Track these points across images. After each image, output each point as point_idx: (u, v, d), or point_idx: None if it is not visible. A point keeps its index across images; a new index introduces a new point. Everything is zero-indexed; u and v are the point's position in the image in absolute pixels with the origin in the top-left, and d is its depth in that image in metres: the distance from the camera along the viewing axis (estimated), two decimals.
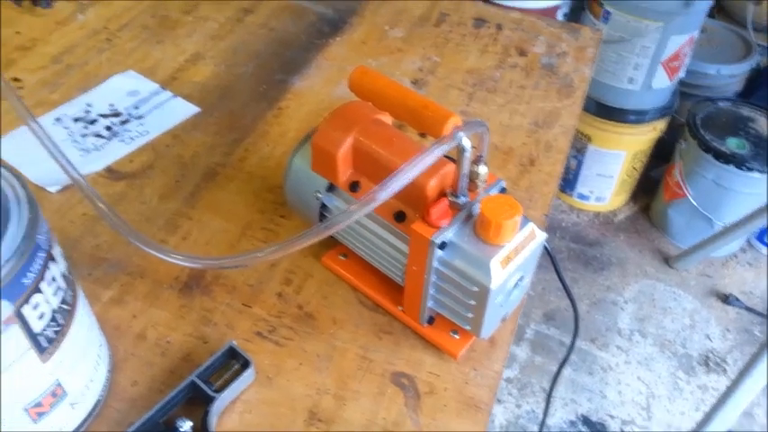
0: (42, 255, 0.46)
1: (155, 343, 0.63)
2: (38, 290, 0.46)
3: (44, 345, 0.47)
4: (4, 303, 0.43)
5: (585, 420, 1.66)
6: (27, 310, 0.45)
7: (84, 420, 0.55)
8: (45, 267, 0.47)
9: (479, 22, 1.11)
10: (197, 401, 0.57)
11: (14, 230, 0.44)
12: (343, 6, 1.12)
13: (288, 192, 0.68)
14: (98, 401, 0.56)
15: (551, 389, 0.89)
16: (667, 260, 2.04)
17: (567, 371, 1.75)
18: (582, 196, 2.11)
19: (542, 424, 0.88)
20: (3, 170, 0.48)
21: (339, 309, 0.67)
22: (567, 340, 1.78)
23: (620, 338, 1.84)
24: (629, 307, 1.92)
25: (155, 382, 0.60)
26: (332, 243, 0.69)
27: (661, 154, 2.05)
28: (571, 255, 2.04)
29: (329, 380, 0.61)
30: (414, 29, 1.08)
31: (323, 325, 0.66)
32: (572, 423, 1.65)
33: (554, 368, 1.73)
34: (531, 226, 0.56)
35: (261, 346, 0.63)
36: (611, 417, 1.68)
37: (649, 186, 2.16)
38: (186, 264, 0.51)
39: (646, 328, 1.87)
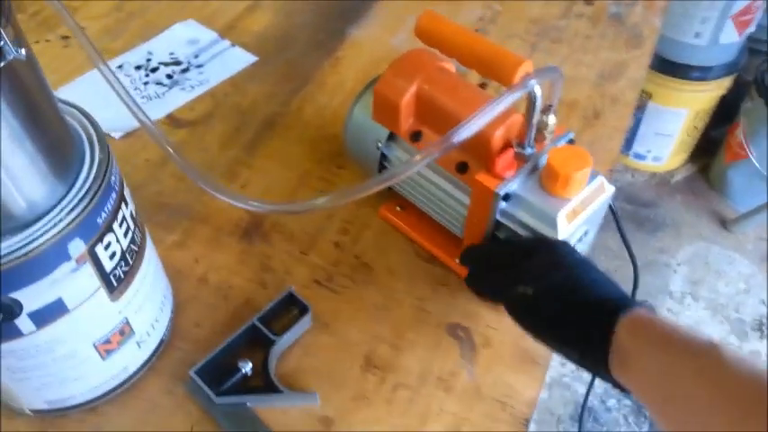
0: (114, 195, 0.47)
1: (216, 287, 0.64)
2: (110, 229, 0.47)
3: (114, 284, 0.49)
4: (78, 242, 0.44)
5: None
6: (99, 250, 0.46)
7: (150, 358, 0.57)
8: (117, 208, 0.48)
9: None
10: (257, 344, 0.58)
11: (87, 171, 0.45)
12: None
13: (347, 141, 0.68)
14: (162, 341, 0.58)
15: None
16: (724, 223, 1.97)
17: None
18: (638, 155, 2.04)
19: (591, 384, 0.87)
20: (76, 112, 0.49)
21: (395, 260, 0.67)
22: None
23: (672, 301, 1.80)
24: (682, 269, 1.87)
25: (217, 324, 0.62)
26: (389, 194, 0.69)
27: (724, 113, 1.95)
28: (624, 215, 1.99)
29: (385, 329, 0.61)
30: None
31: (379, 275, 0.66)
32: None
33: None
34: (600, 179, 0.55)
35: (318, 294, 0.64)
36: None
37: (710, 147, 2.07)
38: (249, 207, 0.51)
39: (698, 291, 1.83)
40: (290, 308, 0.61)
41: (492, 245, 0.57)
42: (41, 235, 0.42)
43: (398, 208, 0.70)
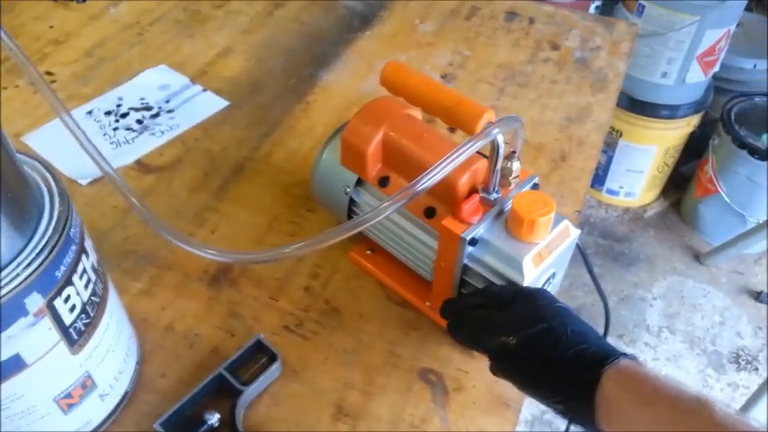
0: (74, 248, 0.47)
1: (183, 335, 0.63)
2: (70, 282, 0.46)
3: (75, 337, 0.48)
4: (36, 296, 0.43)
5: None
6: (59, 303, 0.45)
7: (113, 411, 0.55)
8: (77, 260, 0.47)
9: (511, 15, 1.09)
10: (225, 394, 0.57)
11: (46, 224, 0.45)
12: (373, 1, 1.11)
13: (315, 186, 0.68)
14: (126, 393, 0.57)
15: None
16: (698, 257, 2.00)
17: None
18: (611, 191, 2.08)
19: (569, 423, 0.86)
20: (36, 164, 0.49)
21: (366, 303, 0.67)
22: None
23: (649, 335, 1.81)
24: (657, 303, 1.89)
25: (183, 374, 0.60)
26: (359, 238, 0.69)
27: (693, 149, 2.00)
28: (599, 250, 2.01)
29: (356, 374, 0.61)
30: (444, 22, 1.07)
31: (350, 319, 0.65)
32: None
33: None
34: (565, 223, 0.55)
35: (288, 340, 0.63)
36: None
37: (680, 182, 2.12)
38: (215, 257, 0.51)
39: (675, 324, 1.84)
40: (258, 356, 0.60)
41: (470, 296, 0.57)
42: None
43: (369, 251, 0.70)
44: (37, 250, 0.43)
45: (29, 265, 0.42)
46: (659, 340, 1.80)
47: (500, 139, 0.50)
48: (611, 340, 1.74)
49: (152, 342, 0.62)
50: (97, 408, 0.54)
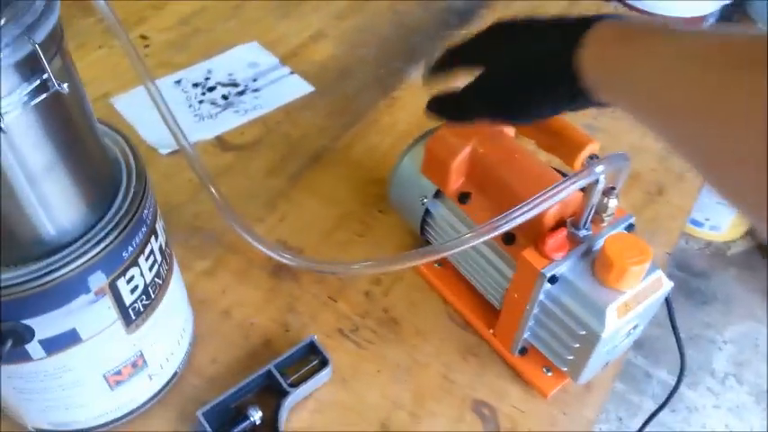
0: (144, 229, 0.46)
1: (239, 323, 0.62)
2: (135, 263, 0.45)
3: (132, 317, 0.47)
4: (99, 275, 0.42)
5: None
6: (121, 283, 0.45)
7: (159, 391, 0.55)
8: (146, 242, 0.46)
9: None
10: (270, 391, 0.56)
11: (120, 203, 0.44)
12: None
13: (392, 190, 0.65)
14: (175, 374, 0.56)
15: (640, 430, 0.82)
16: None
17: (647, 403, 1.65)
18: (695, 222, 1.96)
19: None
20: (118, 137, 0.48)
21: (426, 319, 0.64)
22: (654, 372, 1.67)
23: (713, 380, 1.70)
24: (728, 348, 1.77)
25: (233, 362, 0.59)
26: None
27: None
28: (674, 283, 1.91)
29: (406, 394, 0.58)
30: None
31: (407, 333, 0.63)
32: None
33: (634, 398, 1.63)
34: (658, 273, 0.50)
35: (341, 345, 0.61)
36: None
37: None
38: (276, 256, 0.49)
39: (743, 373, 1.72)
40: (309, 357, 0.59)
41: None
42: (63, 266, 0.40)
43: (437, 264, 0.66)
44: (107, 230, 0.42)
45: (97, 243, 0.42)
46: (724, 387, 1.70)
47: (602, 176, 0.46)
48: (670, 378, 1.63)
49: (207, 325, 0.62)
50: (144, 386, 0.53)
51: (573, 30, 0.41)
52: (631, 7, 1.15)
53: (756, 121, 0.28)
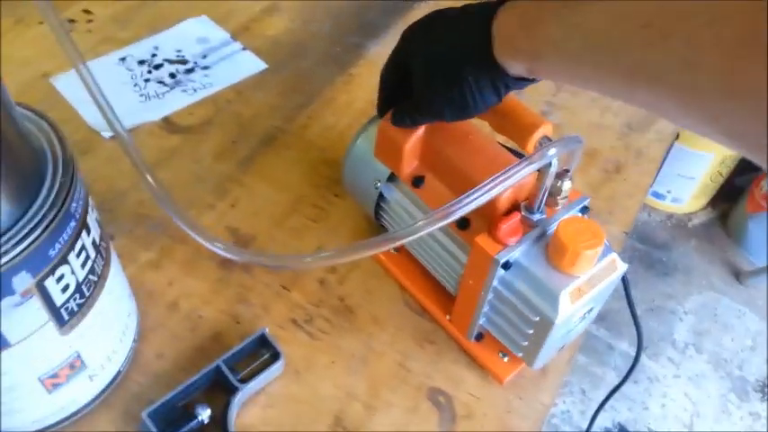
0: (74, 224, 0.43)
1: (186, 315, 0.60)
2: (65, 261, 0.42)
3: (65, 318, 0.45)
4: (24, 275, 0.40)
5: (622, 429, 1.59)
6: (50, 283, 0.42)
7: (102, 392, 0.53)
8: (76, 237, 0.43)
9: None
10: (219, 388, 0.54)
11: (44, 196, 0.41)
12: None
13: (345, 173, 0.63)
14: (118, 372, 0.54)
15: (602, 404, 0.82)
16: (738, 275, 1.90)
17: (610, 375, 1.68)
18: (657, 195, 1.98)
19: None
20: (42, 123, 0.45)
21: (382, 307, 0.62)
22: (616, 344, 1.70)
23: (673, 350, 1.74)
24: (688, 318, 1.81)
25: (180, 357, 0.57)
26: None
27: (750, 162, 1.89)
28: (635, 255, 1.93)
29: (361, 384, 0.57)
30: None
31: (362, 322, 0.61)
32: (607, 430, 1.59)
33: (597, 370, 1.66)
34: (612, 256, 0.49)
35: (294, 336, 0.59)
36: (650, 430, 1.60)
37: (732, 194, 2.01)
38: (222, 253, 0.47)
39: (702, 343, 1.76)
40: (260, 351, 0.57)
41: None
42: None
43: (393, 250, 0.65)
44: (30, 226, 0.39)
45: (19, 241, 0.39)
46: (684, 357, 1.74)
47: (555, 159, 0.45)
48: (631, 350, 1.66)
49: (154, 319, 0.59)
50: (85, 388, 0.51)
51: (480, 22, 0.42)
52: None
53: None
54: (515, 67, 0.42)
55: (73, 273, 0.44)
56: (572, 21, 0.37)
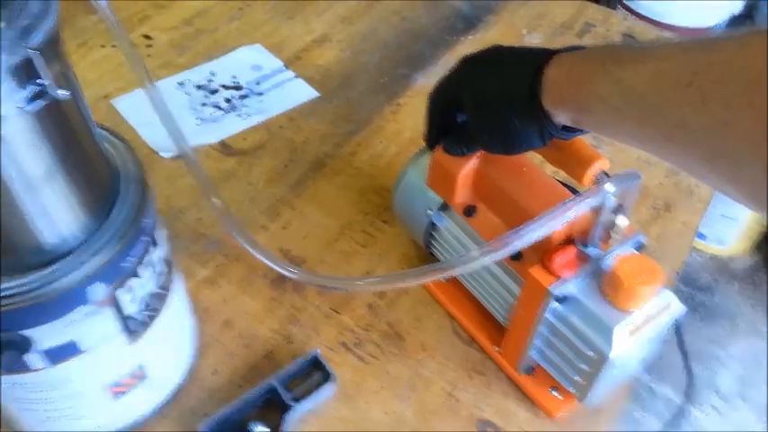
0: (145, 239, 0.45)
1: (240, 333, 0.61)
2: (135, 274, 0.44)
3: (134, 328, 0.46)
4: (99, 286, 0.41)
5: None
6: (121, 294, 0.43)
7: (161, 403, 0.54)
8: (147, 252, 0.45)
9: (628, 38, 1.01)
10: (273, 405, 0.55)
11: (120, 212, 0.43)
12: (480, 3, 1.06)
13: (396, 200, 0.64)
14: (177, 385, 0.55)
15: None
16: None
17: (651, 421, 1.63)
18: (700, 235, 1.95)
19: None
20: (118, 143, 0.47)
21: (431, 334, 0.62)
22: (658, 389, 1.66)
23: (717, 398, 1.69)
24: (732, 365, 1.76)
25: (234, 374, 0.58)
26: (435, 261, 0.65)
27: None
28: (679, 297, 1.89)
29: (410, 411, 0.57)
30: (553, 36, 1.01)
31: (411, 348, 0.61)
32: None
33: (637, 415, 1.62)
34: (669, 295, 0.49)
35: (344, 359, 0.60)
36: None
37: None
38: (283, 271, 0.48)
39: (748, 392, 1.71)
40: (312, 372, 0.57)
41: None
42: (60, 277, 0.39)
43: (442, 278, 0.65)
44: (106, 239, 0.41)
45: (96, 254, 0.41)
46: (728, 405, 1.68)
47: (611, 194, 0.45)
48: (673, 395, 1.59)
49: (209, 335, 0.61)
50: (146, 398, 0.52)
51: (533, 70, 0.44)
52: (640, 16, 1.14)
53: None
54: (561, 117, 0.44)
55: (143, 285, 0.45)
56: (617, 76, 0.38)
